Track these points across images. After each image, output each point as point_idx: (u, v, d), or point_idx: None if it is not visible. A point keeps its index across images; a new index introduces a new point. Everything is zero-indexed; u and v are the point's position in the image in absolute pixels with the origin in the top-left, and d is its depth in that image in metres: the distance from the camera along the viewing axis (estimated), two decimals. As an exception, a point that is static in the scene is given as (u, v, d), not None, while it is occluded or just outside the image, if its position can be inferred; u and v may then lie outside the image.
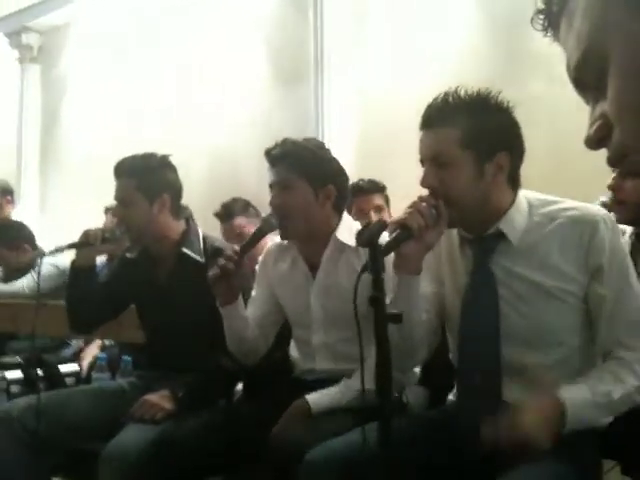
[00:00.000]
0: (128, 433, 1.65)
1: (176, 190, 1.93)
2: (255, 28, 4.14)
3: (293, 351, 1.78)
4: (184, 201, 1.97)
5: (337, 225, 1.67)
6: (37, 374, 2.28)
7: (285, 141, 1.67)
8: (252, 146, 3.64)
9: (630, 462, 1.52)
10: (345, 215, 1.72)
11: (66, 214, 4.78)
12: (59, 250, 1.95)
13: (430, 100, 1.32)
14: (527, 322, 1.29)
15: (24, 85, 5.38)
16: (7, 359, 2.50)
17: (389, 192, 2.73)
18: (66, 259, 2.47)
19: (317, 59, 3.83)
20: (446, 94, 1.30)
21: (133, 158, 1.91)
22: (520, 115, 1.33)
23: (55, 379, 2.37)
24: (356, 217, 2.00)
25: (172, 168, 1.94)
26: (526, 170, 1.34)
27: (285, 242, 1.73)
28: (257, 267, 1.80)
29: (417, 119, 1.34)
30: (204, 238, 1.93)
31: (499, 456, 1.20)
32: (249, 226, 2.62)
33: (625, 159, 0.51)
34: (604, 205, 1.88)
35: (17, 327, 2.48)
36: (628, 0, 0.48)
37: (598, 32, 0.50)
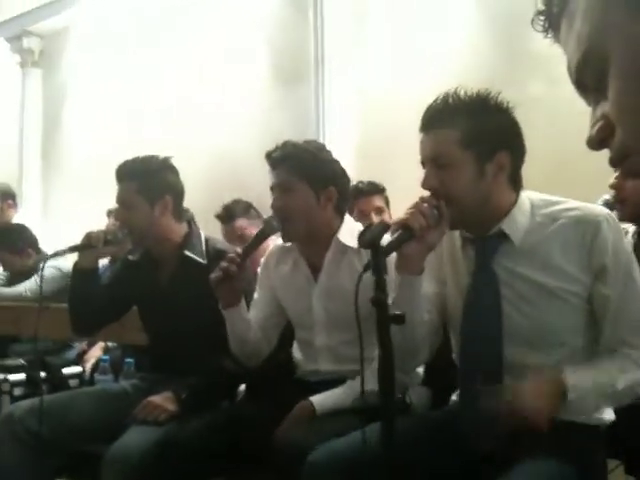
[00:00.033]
0: (131, 435, 1.65)
1: (178, 192, 1.94)
2: (255, 28, 4.14)
3: (296, 352, 1.78)
4: (184, 203, 1.98)
5: (339, 227, 1.67)
6: (40, 376, 2.28)
7: (286, 143, 1.68)
8: (252, 147, 3.64)
9: (634, 461, 1.52)
10: (347, 217, 1.72)
11: (68, 217, 4.79)
12: (61, 253, 1.96)
13: (430, 100, 1.33)
14: (529, 322, 1.29)
15: (25, 89, 5.39)
16: (10, 361, 2.51)
17: (389, 193, 2.74)
18: (69, 262, 2.47)
19: (317, 59, 3.84)
20: (446, 95, 1.31)
21: (134, 161, 1.91)
22: (520, 116, 1.33)
23: (58, 381, 2.37)
24: (357, 219, 2.00)
25: (173, 170, 1.95)
26: (526, 170, 1.34)
27: (287, 244, 1.73)
28: (259, 269, 1.80)
29: (417, 120, 1.34)
30: (206, 240, 1.93)
31: (501, 456, 1.21)
32: (250, 228, 2.62)
33: (627, 159, 0.51)
34: (606, 203, 1.89)
35: (20, 330, 2.49)
36: (628, 2, 0.49)
37: (598, 34, 0.51)
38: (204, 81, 4.32)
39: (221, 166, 4.12)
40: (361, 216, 2.49)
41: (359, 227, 1.66)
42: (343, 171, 1.71)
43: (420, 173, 1.34)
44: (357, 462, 1.22)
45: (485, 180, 1.28)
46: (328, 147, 1.76)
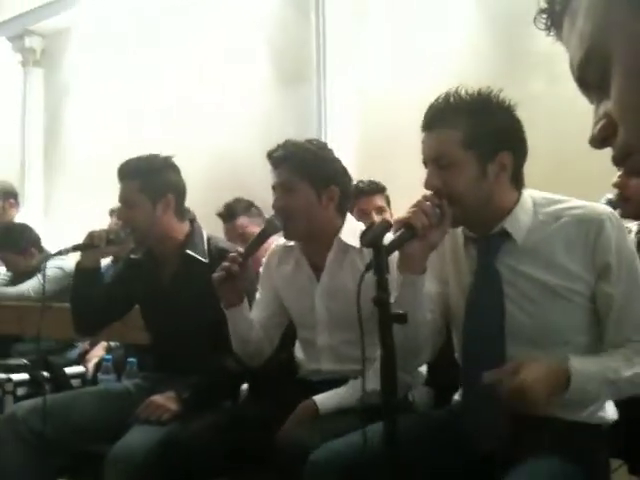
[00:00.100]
0: (134, 435, 1.66)
1: (180, 191, 1.94)
2: (256, 29, 4.14)
3: (298, 352, 1.78)
4: (186, 202, 1.98)
5: (341, 226, 1.67)
6: (43, 376, 2.28)
7: (287, 143, 1.68)
8: (253, 147, 3.64)
9: (637, 461, 1.52)
10: (349, 216, 1.72)
11: (70, 216, 4.79)
12: (64, 252, 1.96)
13: (431, 100, 1.33)
14: (532, 321, 1.29)
15: (27, 88, 5.39)
16: (13, 361, 2.51)
17: (390, 193, 2.73)
18: (71, 261, 2.48)
19: (319, 60, 3.83)
20: (447, 95, 1.30)
21: (136, 160, 1.91)
22: (521, 115, 1.33)
23: (61, 381, 2.37)
24: (357, 218, 2.00)
25: (175, 169, 1.95)
26: (528, 169, 1.34)
27: (289, 243, 1.73)
28: (261, 269, 1.80)
29: (418, 119, 1.34)
30: (208, 239, 1.93)
31: (503, 455, 1.21)
32: (252, 226, 2.62)
33: (630, 158, 0.51)
34: (610, 202, 1.89)
35: (23, 329, 2.49)
36: (631, 0, 0.49)
37: (601, 32, 0.51)
38: (205, 81, 4.32)
39: (222, 166, 4.12)
40: (362, 215, 2.49)
41: (361, 226, 1.66)
42: (345, 170, 1.71)
43: (421, 172, 1.34)
44: (359, 461, 1.22)
45: (487, 180, 1.28)
46: (329, 146, 1.76)
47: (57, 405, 1.80)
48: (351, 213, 1.78)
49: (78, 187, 4.90)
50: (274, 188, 1.67)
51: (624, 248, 1.27)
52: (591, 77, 0.53)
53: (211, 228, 2.16)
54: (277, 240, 1.82)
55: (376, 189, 2.66)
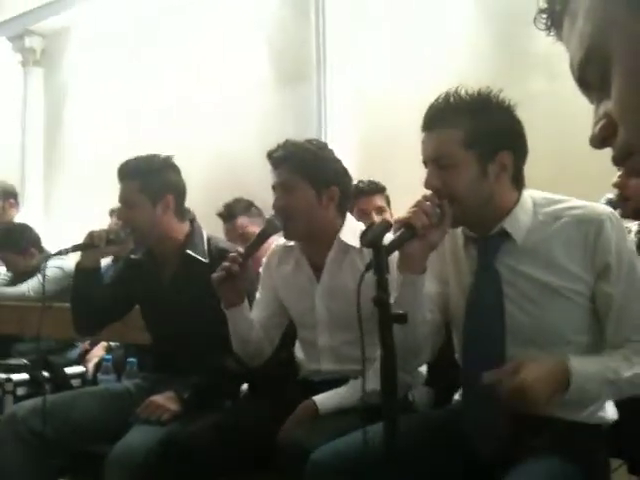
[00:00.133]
0: (134, 435, 1.66)
1: (180, 191, 1.94)
2: (256, 28, 4.14)
3: (298, 352, 1.78)
4: (186, 202, 1.98)
5: (341, 226, 1.67)
6: (43, 376, 2.28)
7: (287, 143, 1.68)
8: (253, 147, 3.64)
9: (637, 461, 1.52)
10: (349, 216, 1.72)
11: (70, 216, 4.79)
12: (64, 252, 1.96)
13: (431, 100, 1.32)
14: (532, 321, 1.29)
15: (27, 88, 5.39)
16: (13, 361, 2.51)
17: (390, 192, 2.73)
18: (71, 262, 2.48)
19: (318, 59, 3.83)
20: (447, 95, 1.30)
21: (136, 160, 1.91)
22: (520, 114, 1.33)
23: (61, 381, 2.37)
24: (357, 218, 2.00)
25: (175, 169, 1.95)
26: (528, 169, 1.34)
27: (289, 243, 1.73)
28: (261, 269, 1.80)
29: (418, 119, 1.34)
30: (208, 239, 1.93)
31: (504, 455, 1.21)
32: (252, 226, 2.62)
33: (630, 158, 0.51)
34: (610, 202, 1.89)
35: (23, 329, 2.49)
36: (630, 1, 0.49)
37: (601, 32, 0.51)
38: (205, 81, 4.32)
39: (222, 166, 4.12)
40: (362, 215, 2.49)
41: (361, 226, 1.66)
42: (345, 170, 1.71)
43: (420, 172, 1.34)
44: (360, 461, 1.22)
45: (488, 180, 1.28)
46: (329, 146, 1.76)
47: (57, 405, 1.80)
48: (351, 213, 1.78)
49: (78, 187, 4.90)
50: (274, 188, 1.67)
51: (624, 248, 1.27)
52: (591, 77, 0.53)
53: (211, 228, 2.16)
54: (277, 240, 1.82)
55: (376, 189, 2.66)
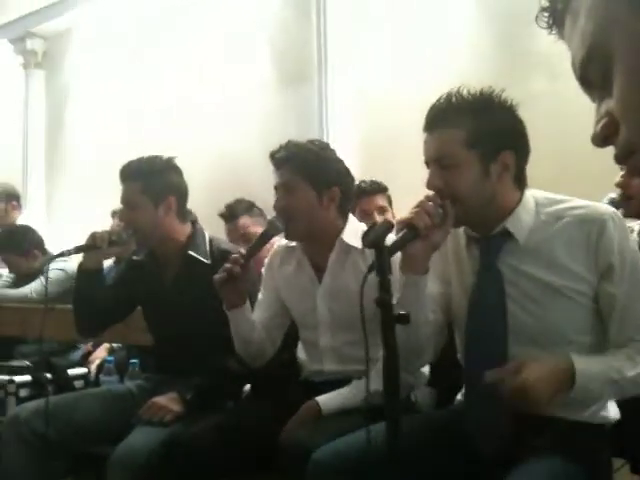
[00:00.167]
0: (137, 436, 1.66)
1: (181, 192, 1.94)
2: (258, 29, 4.14)
3: (300, 353, 1.78)
4: (188, 203, 1.98)
5: (343, 227, 1.67)
6: (46, 378, 2.28)
7: (289, 143, 1.68)
8: (255, 148, 3.64)
9: (639, 460, 1.52)
10: (351, 217, 1.71)
11: (72, 218, 4.80)
12: (66, 253, 1.96)
13: (432, 100, 1.32)
14: (535, 321, 1.29)
15: (29, 91, 5.39)
16: (15, 363, 2.51)
17: (391, 192, 2.73)
18: (74, 263, 2.48)
19: (320, 60, 3.84)
20: (449, 95, 1.30)
21: (138, 161, 1.92)
22: (522, 114, 1.33)
23: (63, 382, 2.37)
24: (359, 218, 2.00)
25: (177, 170, 1.95)
26: (530, 169, 1.34)
27: (291, 244, 1.73)
28: (263, 270, 1.80)
29: (419, 120, 1.34)
30: (210, 240, 1.93)
31: (506, 455, 1.20)
32: (253, 226, 2.62)
33: (632, 156, 0.51)
34: (612, 202, 1.89)
35: (25, 331, 2.49)
36: (632, 0, 0.49)
37: (602, 31, 0.51)
38: (207, 81, 4.33)
39: (223, 166, 4.12)
40: (363, 215, 2.49)
41: (363, 227, 1.66)
42: (347, 171, 1.70)
43: (422, 172, 1.33)
44: (362, 461, 1.22)
45: (490, 180, 1.28)
46: (332, 147, 1.76)
47: (60, 407, 1.80)
48: (353, 213, 1.78)
49: (80, 188, 4.90)
50: (276, 189, 1.67)
51: (626, 248, 1.27)
52: (593, 76, 0.53)
53: (213, 229, 2.16)
54: (279, 241, 1.82)
55: (378, 189, 2.66)
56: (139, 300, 2.01)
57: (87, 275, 1.95)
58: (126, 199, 1.91)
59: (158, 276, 1.94)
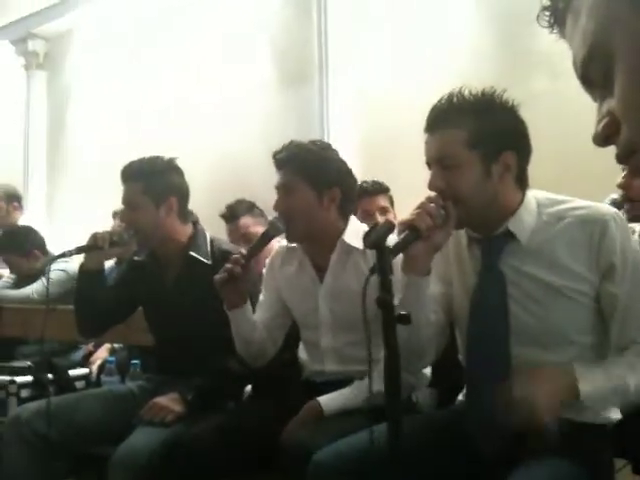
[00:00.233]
0: (138, 436, 1.66)
1: (183, 193, 1.94)
2: (259, 29, 4.15)
3: (302, 353, 1.78)
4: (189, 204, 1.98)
5: (344, 228, 1.67)
6: (47, 378, 2.29)
7: (291, 144, 1.68)
8: (255, 148, 3.65)
9: (641, 461, 1.51)
10: (352, 217, 1.71)
11: (73, 219, 4.81)
12: (67, 254, 1.96)
13: (433, 100, 1.32)
14: (537, 321, 1.29)
15: (30, 91, 5.40)
16: (17, 364, 2.51)
17: (392, 193, 2.73)
18: (75, 264, 2.48)
19: (321, 60, 3.84)
20: (450, 95, 1.30)
21: (139, 162, 1.92)
22: (523, 114, 1.32)
23: (65, 383, 2.38)
24: (361, 219, 2.00)
25: (178, 171, 1.95)
26: (531, 169, 1.34)
27: (292, 244, 1.73)
28: (264, 270, 1.80)
29: (420, 120, 1.34)
30: (211, 241, 1.93)
31: (507, 456, 1.20)
32: (254, 226, 2.62)
33: (634, 155, 0.51)
34: (614, 203, 1.88)
35: (27, 332, 2.50)
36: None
37: (604, 30, 0.51)
38: (208, 82, 4.33)
39: (224, 167, 4.13)
40: (365, 216, 2.49)
41: (364, 227, 1.66)
42: (349, 172, 1.70)
43: (422, 173, 1.33)
44: (363, 462, 1.22)
45: (491, 180, 1.28)
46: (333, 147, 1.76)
47: (61, 407, 1.80)
48: (354, 214, 1.77)
49: (81, 189, 4.91)
50: (277, 189, 1.67)
51: (628, 248, 1.27)
52: (594, 75, 0.53)
53: (214, 230, 2.16)
54: (280, 241, 1.82)
55: (379, 189, 2.65)
56: (140, 301, 2.01)
57: (88, 276, 1.95)
58: (127, 200, 1.91)
59: (159, 277, 1.95)
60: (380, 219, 2.49)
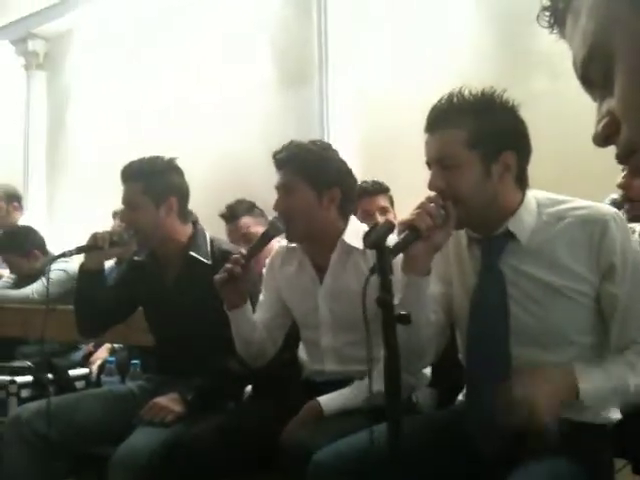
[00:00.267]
0: (138, 436, 1.66)
1: (183, 193, 1.94)
2: (259, 29, 4.15)
3: (301, 352, 1.78)
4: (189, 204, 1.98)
5: (344, 228, 1.67)
6: (47, 378, 2.29)
7: (291, 144, 1.68)
8: (255, 148, 3.64)
9: (641, 461, 1.51)
10: (352, 217, 1.71)
11: (73, 219, 4.81)
12: (67, 254, 1.96)
13: (433, 100, 1.32)
14: (536, 322, 1.29)
15: (30, 92, 5.40)
16: (17, 364, 2.51)
17: (392, 193, 2.73)
18: (75, 264, 2.48)
19: (321, 60, 3.84)
20: (450, 95, 1.30)
21: (139, 162, 1.92)
22: (524, 114, 1.32)
23: (65, 383, 2.38)
24: (361, 219, 2.00)
25: (178, 171, 1.95)
26: (531, 169, 1.34)
27: (292, 245, 1.73)
28: (264, 270, 1.80)
29: (420, 120, 1.34)
30: (211, 241, 1.93)
31: (507, 455, 1.20)
32: (254, 226, 2.62)
33: (634, 155, 0.51)
34: (614, 203, 1.88)
35: (27, 332, 2.49)
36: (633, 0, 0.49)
37: (604, 30, 0.51)
38: (208, 82, 4.33)
39: (224, 167, 4.13)
40: (365, 216, 2.49)
41: (364, 227, 1.66)
42: (349, 172, 1.70)
43: (422, 173, 1.33)
44: (363, 462, 1.22)
45: (491, 180, 1.28)
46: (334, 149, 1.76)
47: (61, 407, 1.80)
48: (354, 214, 1.78)
49: (81, 189, 4.91)
50: (277, 189, 1.67)
51: (629, 248, 1.27)
52: (594, 75, 0.53)
53: (214, 230, 2.16)
54: (280, 241, 1.82)
55: (380, 189, 2.65)
56: (140, 301, 2.01)
57: (88, 276, 1.95)
58: (127, 200, 1.91)
59: (159, 277, 1.95)
60: (380, 219, 2.49)
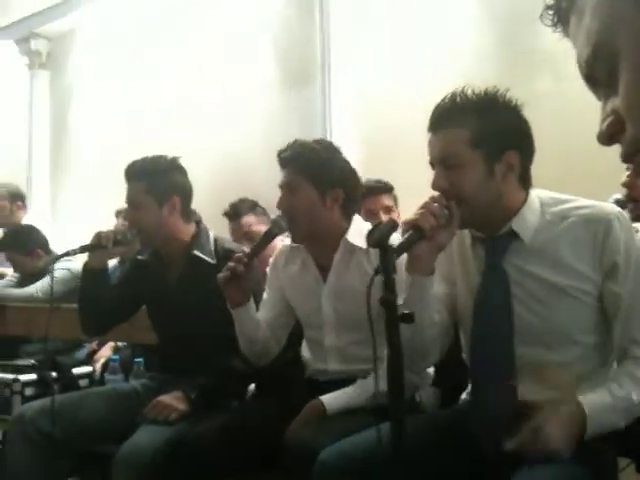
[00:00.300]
0: (141, 435, 1.66)
1: (186, 192, 1.94)
2: (261, 29, 4.15)
3: (305, 352, 1.78)
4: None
5: (347, 228, 1.67)
6: (51, 376, 2.29)
7: (295, 143, 1.68)
8: (258, 147, 3.65)
9: (645, 460, 1.51)
10: (356, 217, 1.71)
11: (76, 218, 4.82)
12: (71, 253, 1.97)
13: (435, 100, 1.32)
14: (540, 321, 1.29)
15: (33, 91, 5.41)
16: (21, 362, 2.52)
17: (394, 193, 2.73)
18: (79, 263, 2.49)
19: (324, 60, 3.84)
20: (453, 95, 1.30)
21: (143, 161, 1.92)
22: (527, 114, 1.32)
23: (68, 381, 2.39)
24: (365, 218, 1.99)
25: (181, 170, 1.95)
26: (535, 169, 1.34)
27: (295, 244, 1.73)
28: (268, 269, 1.80)
29: (421, 120, 1.34)
30: (215, 240, 1.94)
31: (510, 455, 1.20)
32: (257, 224, 2.63)
33: (639, 154, 0.51)
34: (618, 202, 1.88)
35: (30, 330, 2.50)
36: None
37: (608, 29, 0.51)
38: (211, 82, 4.34)
39: (227, 166, 4.13)
40: (369, 215, 2.49)
41: (368, 227, 1.66)
42: (352, 172, 1.70)
43: (423, 173, 1.33)
44: (367, 461, 1.22)
45: (495, 180, 1.28)
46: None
47: (65, 405, 1.81)
48: (358, 213, 1.78)
49: (84, 188, 4.92)
50: (281, 188, 1.67)
51: (632, 247, 1.27)
52: (598, 74, 0.53)
53: (217, 229, 2.17)
54: (283, 240, 1.82)
55: (384, 189, 2.65)
56: (144, 299, 2.01)
57: (92, 274, 1.96)
58: (130, 199, 1.91)
59: (162, 276, 1.95)
60: (384, 218, 2.49)
